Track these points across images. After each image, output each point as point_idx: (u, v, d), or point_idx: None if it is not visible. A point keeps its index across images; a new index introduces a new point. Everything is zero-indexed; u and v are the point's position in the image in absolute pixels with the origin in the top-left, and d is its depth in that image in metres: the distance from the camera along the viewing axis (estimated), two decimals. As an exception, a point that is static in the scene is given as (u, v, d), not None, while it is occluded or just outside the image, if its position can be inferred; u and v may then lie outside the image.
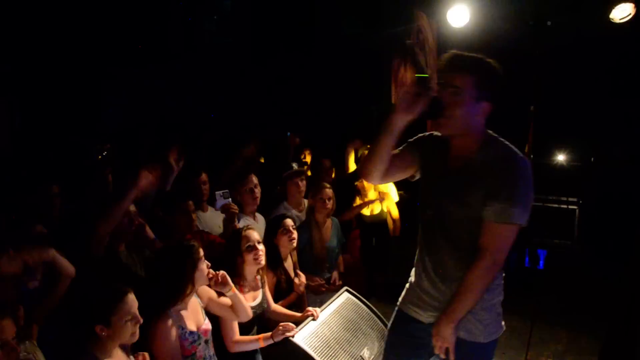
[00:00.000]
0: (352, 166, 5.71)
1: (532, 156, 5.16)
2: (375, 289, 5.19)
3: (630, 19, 4.51)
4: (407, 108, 2.05)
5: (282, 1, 7.69)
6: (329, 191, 4.11)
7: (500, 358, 4.15)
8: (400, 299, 2.50)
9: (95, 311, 2.20)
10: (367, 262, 5.22)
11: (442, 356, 2.22)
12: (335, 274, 4.23)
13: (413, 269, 2.45)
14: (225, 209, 3.66)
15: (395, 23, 6.47)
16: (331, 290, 3.87)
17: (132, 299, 2.26)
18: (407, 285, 2.48)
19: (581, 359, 4.24)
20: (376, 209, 5.25)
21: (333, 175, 5.31)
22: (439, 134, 2.29)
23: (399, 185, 5.49)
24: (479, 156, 2.13)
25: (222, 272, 2.76)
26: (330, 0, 7.32)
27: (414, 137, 2.38)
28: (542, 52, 4.72)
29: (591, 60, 5.57)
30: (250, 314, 2.94)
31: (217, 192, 3.71)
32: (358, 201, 5.17)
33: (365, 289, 4.22)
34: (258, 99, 8.00)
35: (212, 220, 4.01)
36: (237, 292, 2.84)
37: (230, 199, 3.72)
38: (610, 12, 4.65)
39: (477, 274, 2.10)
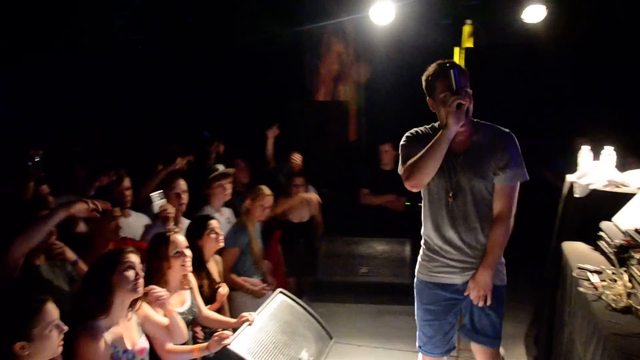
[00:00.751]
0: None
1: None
2: (305, 290, 5.14)
3: (543, 20, 4.73)
4: (458, 121, 2.48)
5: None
6: (269, 199, 4.10)
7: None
8: (422, 274, 2.83)
9: (12, 328, 1.97)
10: (294, 264, 5.13)
11: (481, 304, 2.66)
12: (267, 276, 4.19)
13: (425, 246, 2.83)
14: (159, 212, 3.53)
15: (313, 19, 6.46)
16: (267, 290, 3.85)
17: (52, 307, 2.07)
18: (424, 261, 2.82)
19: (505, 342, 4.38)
20: (304, 214, 5.16)
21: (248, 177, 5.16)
22: (423, 128, 2.76)
23: (319, 182, 5.47)
24: (477, 138, 2.65)
25: (157, 291, 2.62)
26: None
27: (412, 138, 2.75)
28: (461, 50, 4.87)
29: (507, 59, 5.84)
30: (186, 336, 2.84)
31: (152, 194, 3.58)
32: (285, 200, 5.07)
33: (292, 291, 4.18)
34: (171, 99, 7.71)
35: (135, 225, 3.83)
36: (175, 313, 2.71)
37: (165, 199, 3.60)
38: (523, 13, 4.85)
39: (504, 229, 2.62)
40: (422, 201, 2.83)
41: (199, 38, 7.24)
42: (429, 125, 2.80)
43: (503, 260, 2.78)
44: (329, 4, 6.19)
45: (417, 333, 2.90)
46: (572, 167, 4.00)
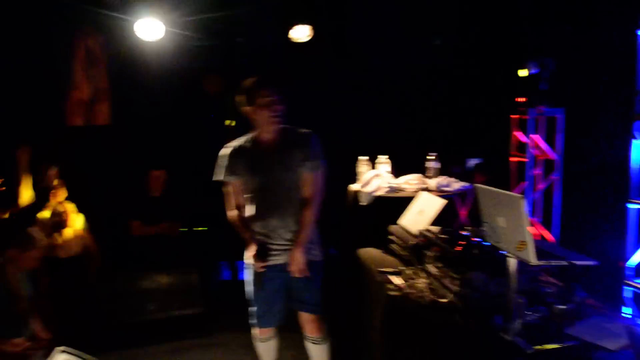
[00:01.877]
0: (26, 193, 4.63)
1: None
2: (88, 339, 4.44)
3: (310, 39, 4.94)
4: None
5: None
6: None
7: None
8: (251, 264, 3.12)
9: None
10: (68, 309, 4.42)
11: (298, 276, 3.05)
12: (37, 327, 3.49)
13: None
14: None
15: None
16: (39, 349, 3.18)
17: None
18: (251, 250, 3.09)
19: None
20: (74, 247, 4.51)
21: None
22: (243, 142, 3.14)
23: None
24: (284, 138, 3.09)
25: None
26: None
27: (234, 153, 3.12)
28: (233, 67, 4.82)
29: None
30: None
31: None
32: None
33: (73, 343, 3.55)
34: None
35: None
36: None
37: None
38: (290, 32, 5.00)
39: (311, 211, 3.06)
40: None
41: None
42: (247, 138, 3.15)
43: (316, 238, 3.18)
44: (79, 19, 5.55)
45: (254, 311, 3.22)
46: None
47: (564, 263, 2.19)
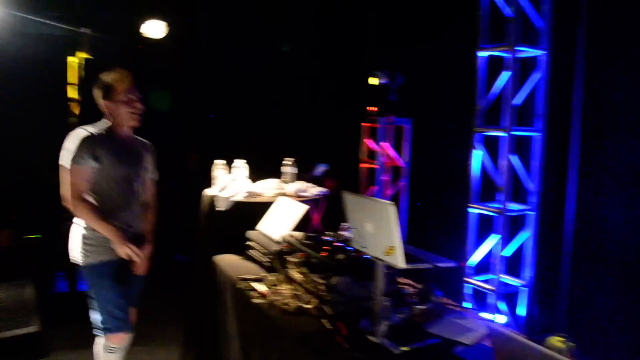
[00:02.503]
0: None
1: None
2: None
3: (165, 36, 4.69)
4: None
5: None
6: None
7: None
8: (99, 255, 2.95)
9: None
10: None
11: (141, 273, 3.11)
12: None
13: (91, 232, 2.97)
14: None
15: None
16: None
17: None
18: (93, 246, 2.95)
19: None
20: None
21: None
22: (97, 130, 2.97)
23: None
24: (135, 140, 3.16)
25: None
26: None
27: (89, 139, 2.89)
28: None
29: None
30: None
31: None
32: None
33: None
34: None
35: None
36: None
37: None
38: (142, 28, 4.71)
39: (153, 212, 3.24)
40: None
41: None
42: (101, 127, 3.00)
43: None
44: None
45: (105, 318, 2.98)
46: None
47: (429, 266, 2.29)
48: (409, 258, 2.19)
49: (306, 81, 6.09)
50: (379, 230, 2.18)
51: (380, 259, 2.22)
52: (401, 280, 2.85)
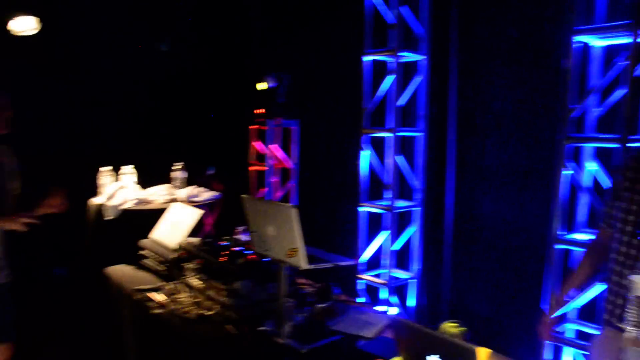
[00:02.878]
0: None
1: None
2: None
3: (37, 32, 4.39)
4: None
5: None
6: None
7: None
8: None
9: None
10: None
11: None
12: None
13: None
14: None
15: None
16: None
17: None
18: None
19: None
20: None
21: None
22: None
23: None
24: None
25: None
26: None
27: None
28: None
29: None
30: None
31: None
32: None
33: None
34: None
35: None
36: None
37: None
38: (10, 23, 4.38)
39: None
40: None
41: None
42: None
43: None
44: None
45: None
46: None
47: (329, 265, 2.36)
48: (310, 259, 2.26)
49: (193, 84, 5.97)
50: (281, 233, 2.21)
51: (282, 261, 2.26)
52: (300, 280, 2.91)
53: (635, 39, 2.66)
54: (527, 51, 3.57)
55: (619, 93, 2.91)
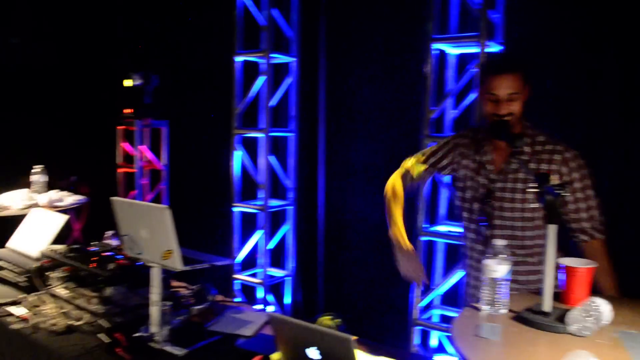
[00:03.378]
0: None
1: None
2: None
3: None
4: None
5: None
6: None
7: None
8: None
9: None
10: None
11: None
12: None
13: None
14: None
15: None
16: None
17: None
18: None
19: None
20: None
21: None
22: None
23: None
24: None
25: None
26: None
27: None
28: None
29: None
30: None
31: None
32: None
33: None
34: None
35: None
36: None
37: None
38: None
39: None
40: None
41: None
42: None
43: None
44: None
45: None
46: None
47: (206, 265, 2.35)
48: (185, 260, 2.23)
49: (53, 81, 5.57)
50: (154, 235, 2.16)
51: (157, 264, 2.21)
52: (175, 283, 2.85)
53: (482, 49, 2.95)
54: (390, 56, 3.79)
55: (471, 97, 3.21)
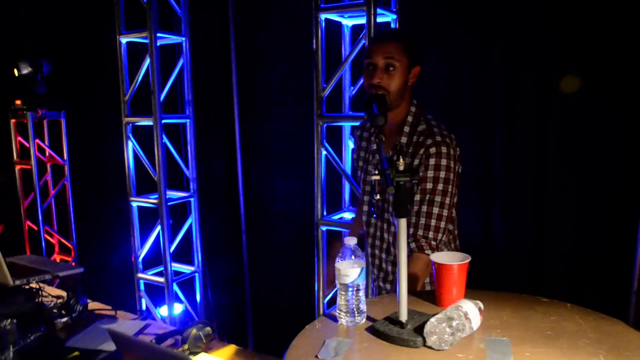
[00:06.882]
0: None
1: None
2: None
3: None
4: None
5: None
6: None
7: None
8: None
9: None
10: None
11: None
12: None
13: None
14: None
15: None
16: None
17: None
18: None
19: None
20: None
21: None
22: None
23: None
24: None
25: None
26: None
27: None
28: None
29: None
30: None
31: None
32: None
33: None
34: None
35: None
36: None
37: None
38: None
39: None
40: None
41: None
42: None
43: None
44: None
45: None
46: None
47: (47, 277, 2.07)
48: (26, 271, 1.96)
49: None
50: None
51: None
52: (45, 293, 2.56)
53: (372, 19, 2.72)
54: (291, 30, 3.55)
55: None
